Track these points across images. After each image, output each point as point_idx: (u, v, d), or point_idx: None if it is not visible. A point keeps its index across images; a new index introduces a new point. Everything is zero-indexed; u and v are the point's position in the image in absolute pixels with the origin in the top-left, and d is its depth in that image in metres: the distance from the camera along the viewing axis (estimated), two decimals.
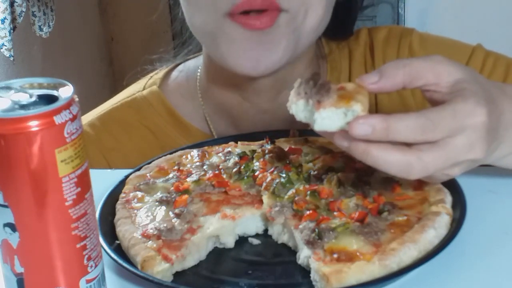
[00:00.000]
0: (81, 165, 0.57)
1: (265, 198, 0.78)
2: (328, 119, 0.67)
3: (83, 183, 0.58)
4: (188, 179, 0.83)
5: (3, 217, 0.56)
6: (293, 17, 0.92)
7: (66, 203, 0.57)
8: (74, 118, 0.56)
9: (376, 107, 1.08)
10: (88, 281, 0.60)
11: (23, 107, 0.56)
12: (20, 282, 0.58)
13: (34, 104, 0.56)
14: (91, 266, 0.60)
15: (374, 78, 0.69)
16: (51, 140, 0.55)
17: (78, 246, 0.58)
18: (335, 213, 0.73)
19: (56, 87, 0.58)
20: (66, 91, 0.57)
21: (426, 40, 1.11)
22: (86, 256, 0.59)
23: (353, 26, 1.13)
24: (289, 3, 0.91)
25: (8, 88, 0.58)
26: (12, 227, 0.57)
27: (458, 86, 0.69)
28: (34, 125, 0.54)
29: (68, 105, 0.55)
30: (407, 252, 0.65)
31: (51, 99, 0.56)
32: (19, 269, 0.58)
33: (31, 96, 0.57)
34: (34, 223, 0.56)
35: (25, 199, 0.55)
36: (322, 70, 1.12)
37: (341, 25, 1.04)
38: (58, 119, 0.54)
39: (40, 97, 0.57)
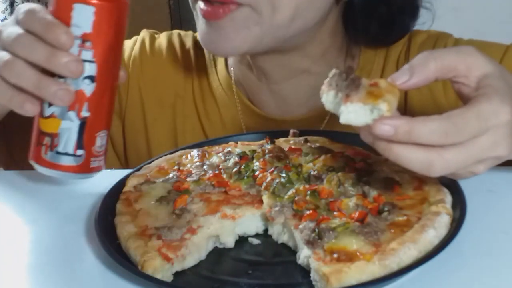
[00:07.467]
0: None
1: (265, 198, 0.78)
2: (354, 113, 0.67)
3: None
4: (188, 179, 0.83)
5: (87, 70, 0.72)
6: (256, 12, 0.94)
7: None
8: None
9: (405, 103, 1.08)
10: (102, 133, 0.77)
11: None
12: (83, 124, 0.74)
13: None
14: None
15: (405, 77, 0.69)
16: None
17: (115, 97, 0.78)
18: (335, 213, 0.73)
19: None
20: None
21: (459, 41, 1.11)
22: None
23: (391, 36, 1.11)
24: None
25: None
26: (92, 79, 0.73)
27: (484, 82, 0.69)
28: None
29: None
30: (407, 252, 0.65)
31: None
32: (85, 113, 0.74)
33: None
34: (108, 77, 0.74)
35: (110, 58, 0.73)
36: (345, 66, 1.13)
37: (373, 35, 1.06)
38: None
39: None
